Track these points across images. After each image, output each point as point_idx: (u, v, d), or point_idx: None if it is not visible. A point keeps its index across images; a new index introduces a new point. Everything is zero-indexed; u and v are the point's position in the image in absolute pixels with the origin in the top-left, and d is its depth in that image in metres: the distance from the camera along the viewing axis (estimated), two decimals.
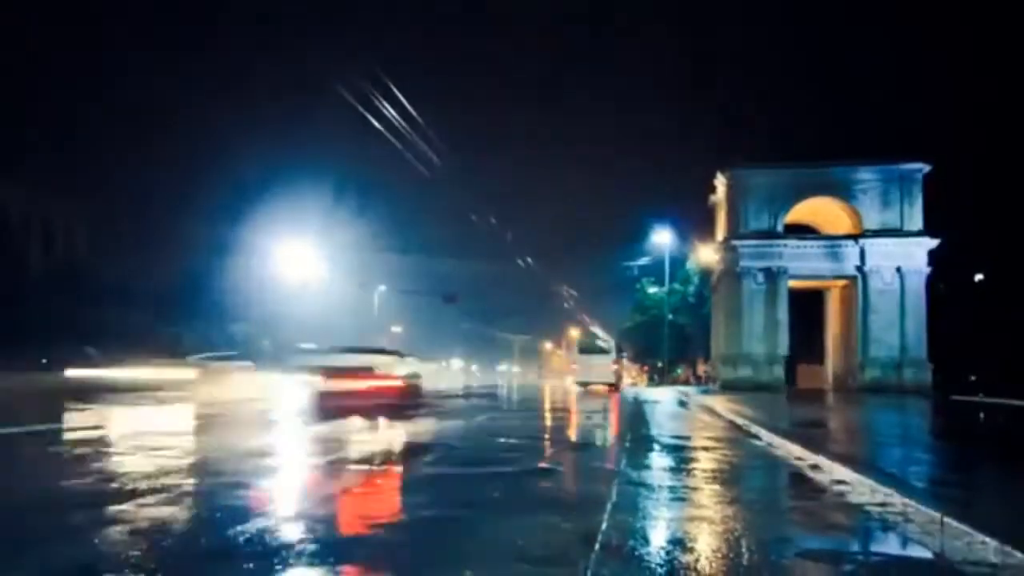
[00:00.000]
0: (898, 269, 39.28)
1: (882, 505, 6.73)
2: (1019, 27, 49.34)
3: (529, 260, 56.43)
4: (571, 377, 43.23)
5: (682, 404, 26.55)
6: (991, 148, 46.85)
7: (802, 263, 40.76)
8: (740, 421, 16.11)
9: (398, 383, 15.88)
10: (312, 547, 4.91)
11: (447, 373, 69.53)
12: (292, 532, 5.37)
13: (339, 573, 4.35)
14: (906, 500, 6.51)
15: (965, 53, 58.38)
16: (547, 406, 25.92)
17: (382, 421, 14.47)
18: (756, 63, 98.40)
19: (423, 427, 14.44)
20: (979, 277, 48.82)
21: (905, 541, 5.60)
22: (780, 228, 41.07)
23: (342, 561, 4.56)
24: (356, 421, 14.25)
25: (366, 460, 9.83)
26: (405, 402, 16.28)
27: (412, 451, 10.94)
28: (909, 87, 64.71)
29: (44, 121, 78.20)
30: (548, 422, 18.60)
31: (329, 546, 4.95)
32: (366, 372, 15.48)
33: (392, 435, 13.10)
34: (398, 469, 9.39)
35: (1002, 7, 50.90)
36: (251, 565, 4.40)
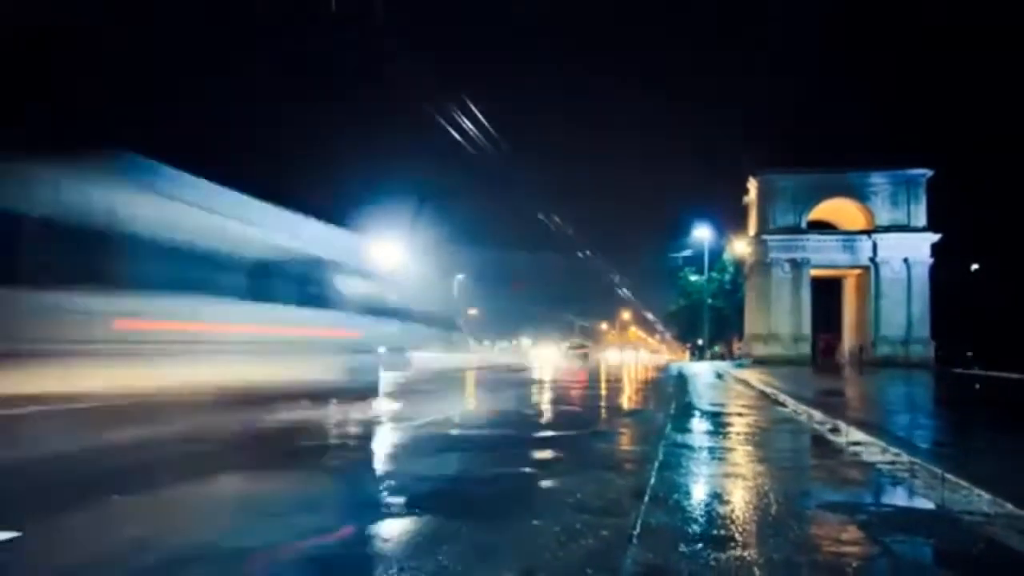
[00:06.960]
0: (905, 260, 39.07)
1: (891, 463, 6.70)
2: (1017, 37, 47.72)
3: (588, 252, 56.03)
4: None
5: (719, 376, 26.31)
6: (989, 152, 45.69)
7: (823, 255, 40.59)
8: (769, 391, 15.98)
9: None
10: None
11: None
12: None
13: (416, 522, 4.55)
14: (912, 459, 6.49)
15: (966, 59, 56.80)
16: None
17: None
18: (782, 75, 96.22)
19: None
20: (975, 267, 47.91)
21: (911, 494, 5.60)
22: (804, 224, 40.83)
23: (413, 513, 4.76)
24: None
25: None
26: None
27: None
28: (914, 96, 62.67)
29: (158, 125, 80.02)
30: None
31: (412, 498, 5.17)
32: None
33: None
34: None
35: (1000, 22, 49.16)
36: None
